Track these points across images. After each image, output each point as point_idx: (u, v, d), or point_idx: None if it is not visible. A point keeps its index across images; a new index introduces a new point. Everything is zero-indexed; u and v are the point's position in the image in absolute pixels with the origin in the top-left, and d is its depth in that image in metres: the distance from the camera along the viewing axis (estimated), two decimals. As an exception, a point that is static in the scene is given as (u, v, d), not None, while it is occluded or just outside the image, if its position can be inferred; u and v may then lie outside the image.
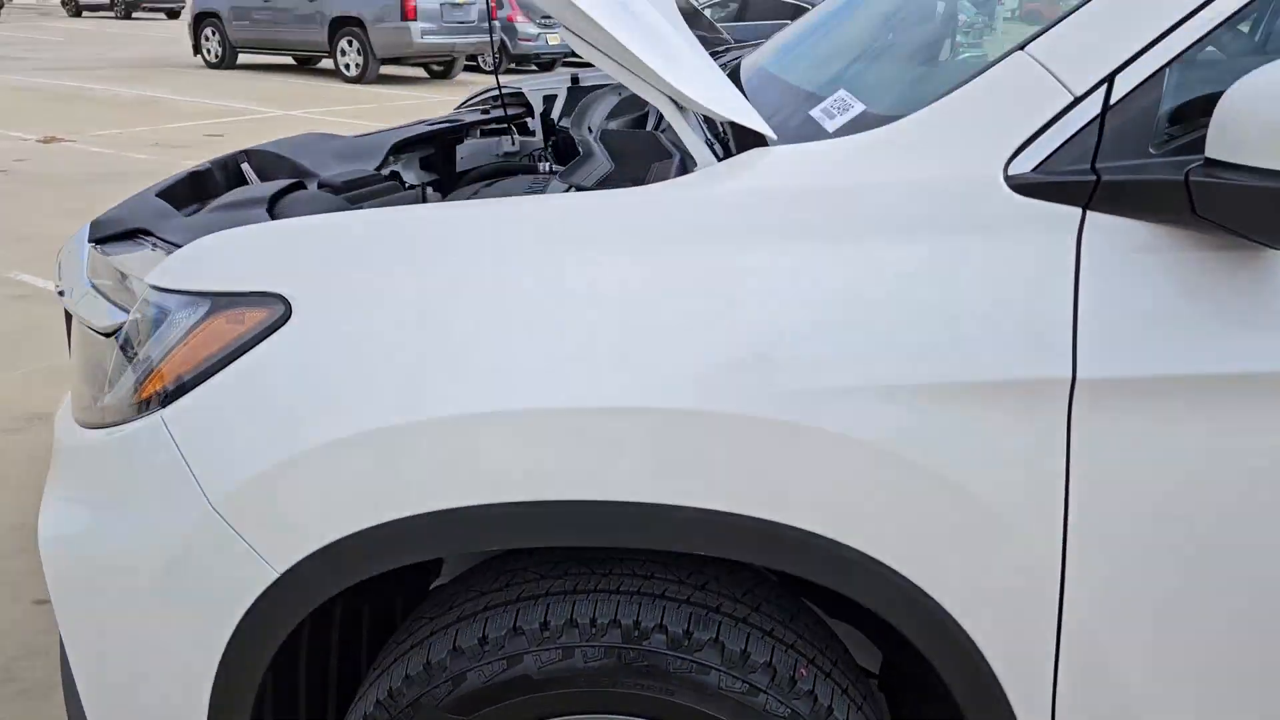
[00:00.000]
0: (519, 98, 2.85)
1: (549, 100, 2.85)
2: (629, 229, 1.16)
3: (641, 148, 1.62)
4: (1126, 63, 1.08)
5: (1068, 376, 1.07)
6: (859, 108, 1.33)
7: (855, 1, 2.27)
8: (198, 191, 1.97)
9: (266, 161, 2.19)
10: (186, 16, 17.27)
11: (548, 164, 2.56)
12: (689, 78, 1.20)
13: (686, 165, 1.50)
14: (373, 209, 1.29)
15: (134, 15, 31.67)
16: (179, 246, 1.52)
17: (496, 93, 2.86)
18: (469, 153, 2.70)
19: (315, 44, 15.14)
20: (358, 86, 14.38)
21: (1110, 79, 1.08)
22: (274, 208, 1.70)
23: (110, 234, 1.62)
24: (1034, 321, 1.08)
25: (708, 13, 15.64)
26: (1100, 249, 1.08)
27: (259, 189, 1.80)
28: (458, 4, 14.82)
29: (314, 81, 14.85)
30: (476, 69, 17.05)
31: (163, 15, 32.29)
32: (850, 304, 1.11)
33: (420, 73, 16.12)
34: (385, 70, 15.20)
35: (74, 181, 7.43)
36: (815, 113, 1.39)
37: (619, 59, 1.21)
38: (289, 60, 16.60)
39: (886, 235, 1.12)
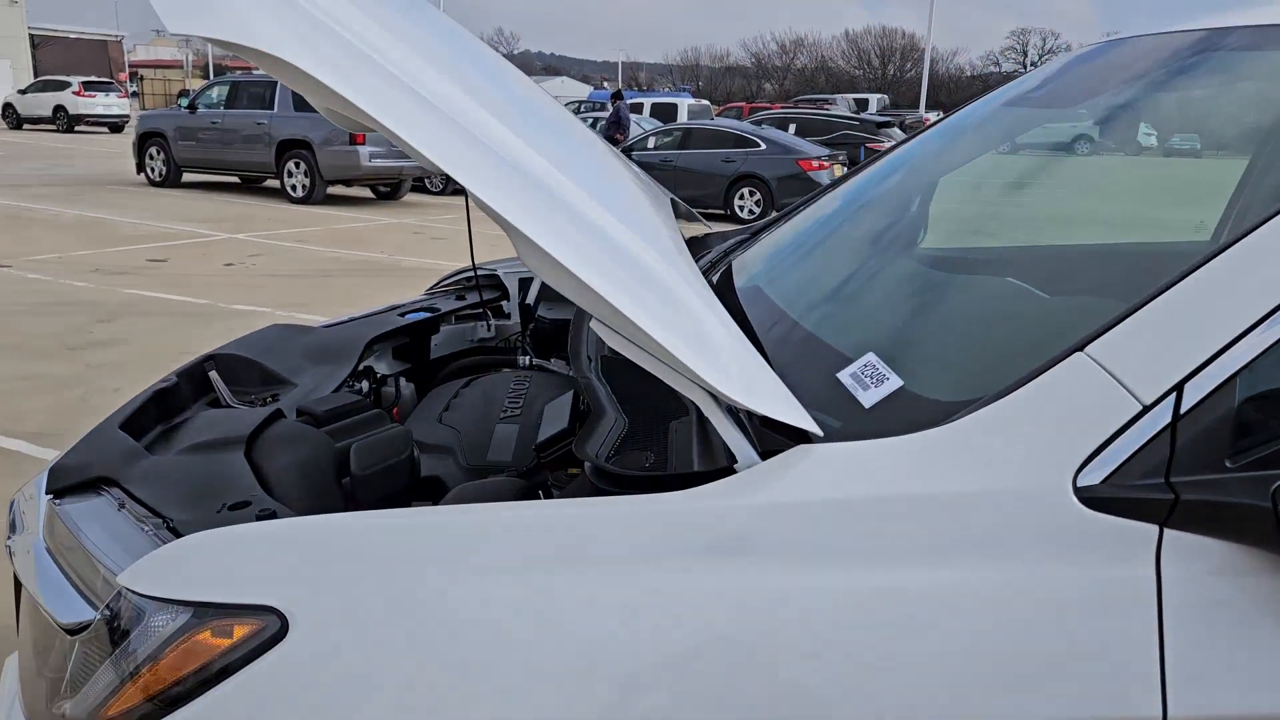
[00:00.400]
0: (493, 279, 2.78)
1: (524, 284, 2.78)
2: (652, 548, 1.06)
3: (652, 392, 1.54)
4: (1196, 370, 1.03)
5: (1158, 716, 0.98)
6: (894, 381, 1.26)
7: (846, 212, 2.26)
8: (165, 411, 1.84)
9: (233, 368, 2.07)
10: (131, 134, 17.21)
11: (528, 356, 2.47)
12: (725, 365, 1.12)
13: (705, 424, 1.42)
14: (370, 515, 1.17)
15: (76, 129, 31.58)
16: (147, 507, 1.39)
17: (470, 274, 2.79)
18: (443, 339, 2.60)
19: (262, 165, 15.14)
20: (304, 208, 14.34)
21: (1179, 387, 1.03)
22: (252, 448, 1.58)
23: (70, 484, 1.48)
24: (1116, 655, 0.99)
25: (651, 141, 16.06)
26: (1182, 572, 1.01)
27: (234, 422, 1.67)
28: (407, 128, 14.94)
29: (260, 202, 14.78)
30: (423, 189, 17.16)
31: (105, 129, 32.27)
32: (907, 635, 1.01)
33: (367, 193, 16.16)
34: (332, 191, 15.21)
35: (9, 313, 7.17)
36: (845, 379, 1.32)
37: (652, 351, 1.13)
38: (234, 179, 16.56)
39: (947, 555, 1.03)
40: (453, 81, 1.29)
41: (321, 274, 9.28)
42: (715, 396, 1.13)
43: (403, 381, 2.37)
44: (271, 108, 14.85)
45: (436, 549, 1.09)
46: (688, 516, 1.07)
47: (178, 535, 1.30)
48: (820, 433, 1.12)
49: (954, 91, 79.24)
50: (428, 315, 2.48)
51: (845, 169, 15.14)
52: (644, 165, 15.17)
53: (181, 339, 6.54)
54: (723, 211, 14.64)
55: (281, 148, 14.75)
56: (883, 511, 1.05)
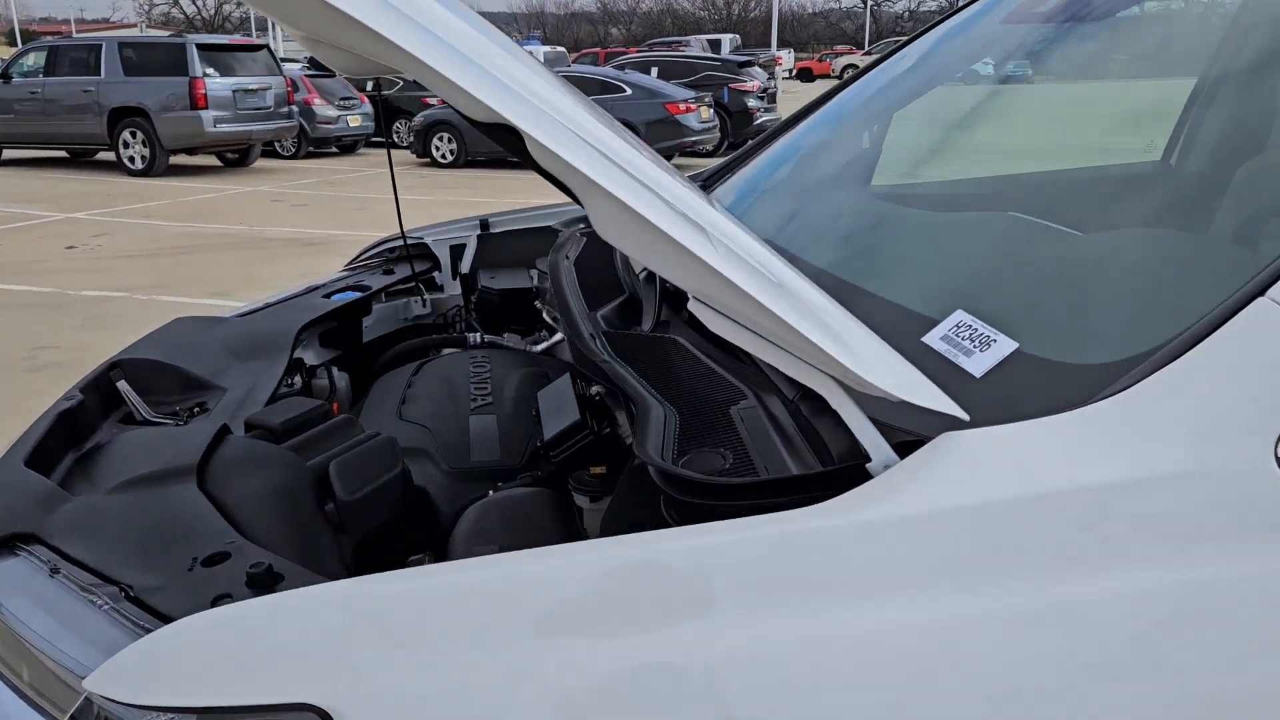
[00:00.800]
0: (421, 248, 2.49)
1: (456, 252, 2.50)
2: (771, 583, 0.84)
3: (682, 373, 1.32)
4: None
5: None
6: (1006, 342, 1.08)
7: (821, 152, 2.07)
8: (74, 435, 1.52)
9: (145, 374, 1.75)
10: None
11: (477, 333, 2.21)
12: (851, 344, 0.91)
13: (768, 405, 1.21)
14: (399, 578, 0.91)
15: None
16: (90, 570, 1.10)
17: (394, 244, 2.49)
18: (374, 319, 2.31)
19: (93, 137, 13.97)
20: (146, 180, 13.33)
21: None
22: (205, 478, 1.29)
23: (-23, 546, 1.17)
24: None
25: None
26: None
27: (172, 444, 1.37)
28: (251, 90, 14.05)
29: (95, 177, 13.65)
30: (274, 154, 16.22)
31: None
32: (1112, 659, 0.83)
33: (214, 161, 15.17)
34: (175, 161, 14.19)
35: None
36: (936, 344, 1.13)
37: (767, 332, 0.91)
38: (61, 154, 15.28)
39: (1142, 558, 0.86)
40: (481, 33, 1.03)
41: (178, 251, 8.60)
42: (840, 382, 0.92)
43: (335, 371, 2.08)
44: (99, 73, 13.68)
45: (524, 611, 0.85)
46: (851, 535, 0.85)
47: (142, 605, 1.02)
48: (966, 416, 0.93)
49: (798, 29, 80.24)
50: (358, 295, 2.19)
51: (711, 110, 15.02)
52: (508, 117, 14.74)
53: (31, 332, 5.92)
54: (593, 160, 14.29)
55: (114, 116, 13.64)
56: (1066, 510, 0.86)
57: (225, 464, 1.31)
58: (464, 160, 15.07)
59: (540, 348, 2.19)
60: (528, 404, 1.76)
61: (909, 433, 0.95)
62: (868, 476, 0.92)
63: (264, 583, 1.02)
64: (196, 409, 1.67)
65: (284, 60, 17.17)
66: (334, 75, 17.90)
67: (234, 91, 13.76)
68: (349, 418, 1.50)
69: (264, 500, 1.25)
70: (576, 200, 0.96)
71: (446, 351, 2.19)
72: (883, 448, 0.91)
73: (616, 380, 1.27)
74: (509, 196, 11.68)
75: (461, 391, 1.82)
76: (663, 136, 13.99)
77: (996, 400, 1.00)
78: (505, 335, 2.23)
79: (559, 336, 2.17)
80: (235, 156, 14.95)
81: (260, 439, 1.43)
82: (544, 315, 2.24)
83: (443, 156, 15.23)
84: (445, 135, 15.11)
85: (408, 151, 16.39)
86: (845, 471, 0.93)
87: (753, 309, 0.87)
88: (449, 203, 10.95)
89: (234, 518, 1.20)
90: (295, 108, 15.25)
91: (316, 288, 2.27)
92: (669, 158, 14.37)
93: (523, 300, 2.30)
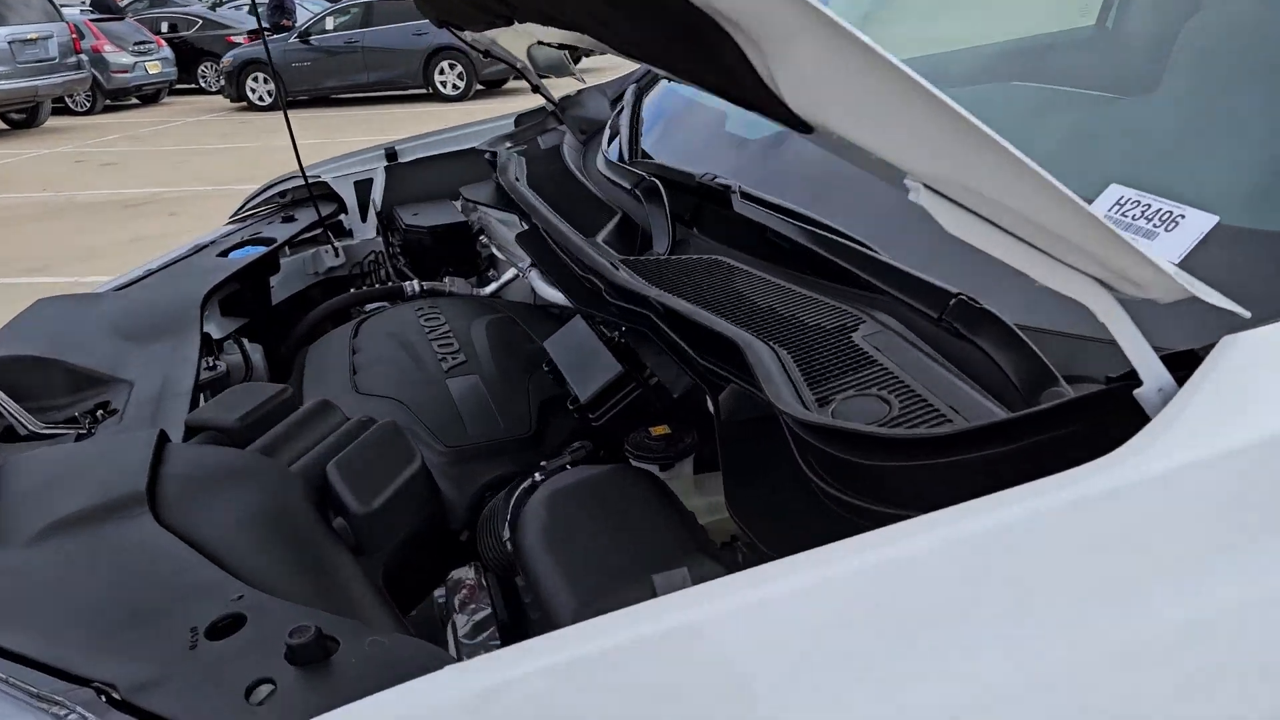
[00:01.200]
0: (321, 188, 2.12)
1: (363, 189, 2.14)
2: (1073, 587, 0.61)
3: (763, 294, 1.07)
4: None
5: None
6: (1201, 217, 0.87)
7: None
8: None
9: (19, 375, 1.38)
10: None
11: (413, 281, 1.89)
12: (1124, 236, 0.68)
13: (894, 328, 0.97)
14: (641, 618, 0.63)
15: None
16: (41, 667, 0.78)
17: (288, 187, 2.11)
18: (282, 278, 1.96)
19: None
20: (-80, 152, 11.88)
21: None
22: (158, 507, 0.97)
23: None
24: None
25: (329, 23, 14.49)
26: None
27: (102, 463, 1.03)
28: (30, 40, 12.62)
29: None
30: (66, 111, 14.72)
31: None
32: None
33: (-2, 124, 13.66)
34: (-48, 128, 12.71)
35: None
36: (1100, 227, 0.92)
37: (1028, 233, 0.67)
38: None
39: None
40: None
41: (-24, 227, 7.65)
42: (1109, 287, 0.69)
43: (247, 344, 1.73)
44: None
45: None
46: (1175, 488, 0.63)
47: (137, 713, 0.72)
48: (1247, 314, 0.71)
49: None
50: (262, 250, 1.82)
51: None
52: (327, 49, 13.75)
53: None
54: (424, 90, 13.58)
55: None
56: None
57: (183, 484, 0.99)
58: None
59: (490, 289, 1.89)
60: (511, 357, 1.48)
61: (1161, 347, 0.73)
62: (1136, 406, 0.70)
63: (315, 656, 0.72)
64: (100, 412, 1.32)
65: (61, 5, 15.50)
66: (122, 18, 16.33)
67: (10, 43, 12.33)
68: (325, 402, 1.19)
69: (252, 528, 0.94)
70: (734, 85, 0.69)
71: (371, 306, 1.86)
72: (1156, 367, 0.69)
73: (689, 316, 1.01)
74: (342, 135, 10.94)
75: (424, 351, 1.51)
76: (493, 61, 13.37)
77: (1222, 288, 0.80)
78: (446, 280, 1.92)
79: (511, 274, 1.88)
80: (21, 117, 13.47)
81: (215, 443, 1.11)
82: (495, 252, 1.93)
83: (259, 99, 14.18)
84: (260, 75, 14.04)
85: (219, 96, 15.18)
86: (1106, 401, 0.70)
87: (1031, 197, 0.62)
88: (279, 148, 10.13)
89: (220, 558, 0.89)
90: (85, 57, 13.83)
91: (205, 245, 1.89)
92: (501, 84, 13.79)
93: (458, 236, 1.98)
